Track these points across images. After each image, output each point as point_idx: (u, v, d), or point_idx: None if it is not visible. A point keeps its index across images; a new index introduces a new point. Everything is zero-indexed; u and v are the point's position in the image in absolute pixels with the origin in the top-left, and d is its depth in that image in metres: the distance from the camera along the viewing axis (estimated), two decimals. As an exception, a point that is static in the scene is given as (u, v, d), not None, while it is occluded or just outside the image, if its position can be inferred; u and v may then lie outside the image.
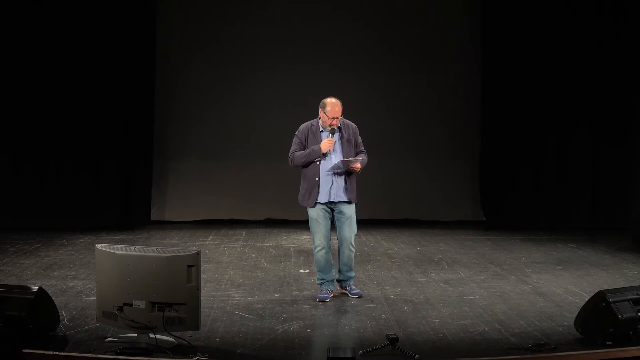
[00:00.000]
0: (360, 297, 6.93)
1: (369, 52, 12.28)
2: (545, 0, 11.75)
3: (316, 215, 6.86)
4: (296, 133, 6.93)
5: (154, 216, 12.12)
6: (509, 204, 12.00)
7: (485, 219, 12.26)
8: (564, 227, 11.40)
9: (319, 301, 6.79)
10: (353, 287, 7.03)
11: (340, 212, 6.89)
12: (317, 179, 6.80)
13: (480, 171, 12.38)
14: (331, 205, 6.87)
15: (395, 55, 12.32)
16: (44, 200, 11.34)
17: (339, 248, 6.99)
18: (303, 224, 11.52)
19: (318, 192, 6.82)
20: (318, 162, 6.81)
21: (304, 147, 6.85)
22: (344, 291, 7.02)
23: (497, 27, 11.99)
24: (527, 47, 11.81)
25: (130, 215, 11.76)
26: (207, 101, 12.25)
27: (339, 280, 7.07)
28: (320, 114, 6.85)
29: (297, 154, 6.86)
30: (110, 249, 5.44)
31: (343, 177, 6.84)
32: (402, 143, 12.24)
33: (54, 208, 11.32)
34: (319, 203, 6.84)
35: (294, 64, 12.19)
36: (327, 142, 6.76)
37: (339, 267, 7.04)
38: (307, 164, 6.84)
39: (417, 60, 12.33)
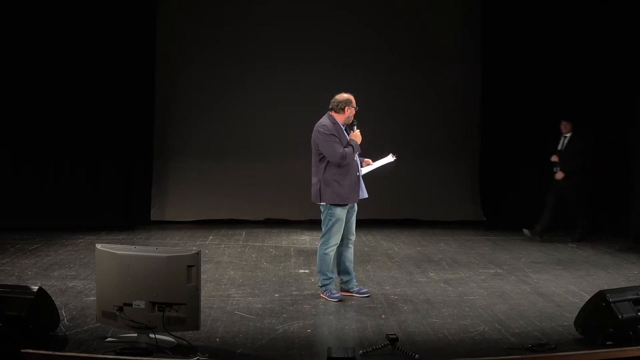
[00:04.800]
0: (368, 295, 6.97)
1: (369, 52, 12.29)
2: (545, 0, 11.76)
3: (343, 215, 6.88)
4: (328, 132, 6.79)
5: (154, 216, 12.12)
6: (509, 204, 12.00)
7: (485, 219, 12.27)
8: (565, 227, 11.38)
9: (338, 301, 6.78)
10: (361, 287, 7.10)
11: (353, 209, 7.00)
12: (358, 174, 6.90)
13: (480, 171, 12.39)
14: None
15: (395, 55, 12.32)
16: (44, 200, 11.35)
17: (343, 244, 6.99)
18: (303, 224, 11.65)
19: (359, 187, 6.90)
20: (356, 158, 6.91)
21: (341, 143, 6.84)
22: (351, 294, 7.01)
23: (497, 27, 12.00)
24: (527, 47, 11.81)
25: (130, 215, 11.76)
26: (207, 101, 12.26)
27: (341, 282, 7.06)
28: (347, 110, 6.88)
29: (348, 151, 6.80)
30: (110, 249, 5.44)
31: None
32: (402, 143, 12.20)
33: (54, 208, 11.32)
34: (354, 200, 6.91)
35: (293, 64, 12.20)
36: (359, 134, 6.90)
37: (344, 265, 7.02)
38: (348, 161, 6.85)
39: (417, 60, 12.34)
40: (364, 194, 6.98)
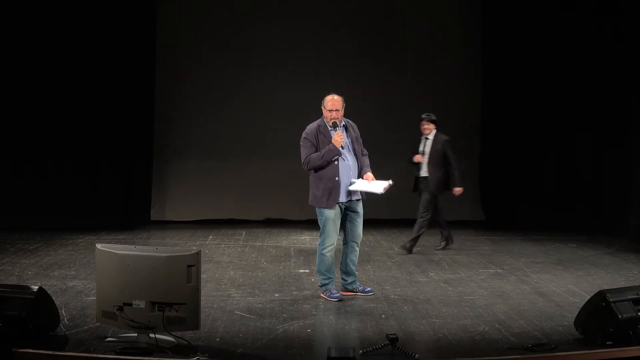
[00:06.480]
0: (373, 294, 7.00)
1: (369, 52, 12.30)
2: (545, 0, 11.77)
3: (334, 215, 6.83)
4: (304, 136, 6.84)
5: (154, 216, 12.13)
6: (509, 204, 12.00)
7: (485, 219, 12.26)
8: (564, 227, 11.40)
9: (338, 301, 6.79)
10: (364, 286, 7.11)
11: (355, 211, 6.94)
12: (337, 178, 6.77)
13: (480, 171, 12.39)
14: (346, 204, 6.88)
15: (395, 56, 12.33)
16: (44, 200, 11.34)
17: (347, 246, 7.01)
18: (303, 224, 11.65)
19: (339, 192, 6.79)
20: (336, 162, 6.79)
21: (315, 148, 6.80)
22: (355, 293, 7.02)
23: (497, 27, 12.01)
24: (527, 47, 11.83)
25: (130, 215, 11.77)
26: (207, 101, 12.26)
27: (346, 283, 7.07)
28: (323, 111, 6.87)
29: (313, 157, 6.77)
30: (110, 249, 5.43)
31: (357, 174, 6.90)
32: (403, 143, 12.22)
33: (54, 208, 11.32)
34: (338, 203, 6.82)
35: (294, 65, 12.22)
36: (337, 137, 6.75)
37: (347, 267, 7.03)
38: (324, 165, 6.78)
39: (417, 61, 12.35)
40: (344, 196, 6.82)
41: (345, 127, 6.92)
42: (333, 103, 6.80)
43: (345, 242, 7.03)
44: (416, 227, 9.45)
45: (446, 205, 12.27)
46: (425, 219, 9.42)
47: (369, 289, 7.11)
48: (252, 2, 12.28)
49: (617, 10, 11.17)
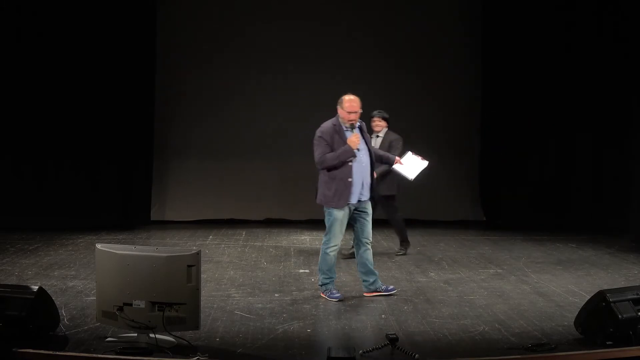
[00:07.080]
0: (396, 292, 7.03)
1: (369, 52, 12.29)
2: (545, 0, 11.77)
3: (342, 216, 6.82)
4: (319, 135, 6.81)
5: (154, 216, 12.12)
6: (509, 204, 12.00)
7: (485, 219, 12.26)
8: (564, 227, 11.39)
9: (338, 301, 6.78)
10: (387, 285, 7.10)
11: (364, 211, 6.92)
12: (349, 179, 6.75)
13: (480, 171, 12.39)
14: (356, 205, 6.87)
15: (395, 56, 12.32)
16: (44, 200, 11.33)
17: (360, 247, 6.97)
18: (303, 224, 11.65)
19: (350, 193, 6.77)
20: (350, 163, 6.76)
21: (330, 147, 6.77)
22: (379, 293, 6.98)
23: (497, 28, 12.00)
24: (527, 47, 11.81)
25: (130, 215, 11.76)
26: (207, 101, 12.25)
27: (368, 284, 7.01)
28: (339, 111, 6.84)
29: (328, 156, 6.74)
30: (110, 249, 5.44)
31: (369, 176, 6.89)
32: (402, 143, 12.21)
33: (54, 208, 11.31)
34: (349, 204, 6.80)
35: (294, 64, 12.20)
36: (354, 138, 6.73)
37: (365, 267, 6.97)
38: (338, 165, 6.76)
39: (417, 60, 12.34)
40: (363, 197, 6.86)
41: (360, 128, 6.91)
42: (351, 105, 6.78)
43: (357, 243, 6.99)
44: (396, 231, 9.41)
45: (446, 206, 12.38)
46: (397, 220, 9.31)
47: (391, 287, 7.08)
48: (252, 2, 12.27)
49: (617, 10, 11.17)
